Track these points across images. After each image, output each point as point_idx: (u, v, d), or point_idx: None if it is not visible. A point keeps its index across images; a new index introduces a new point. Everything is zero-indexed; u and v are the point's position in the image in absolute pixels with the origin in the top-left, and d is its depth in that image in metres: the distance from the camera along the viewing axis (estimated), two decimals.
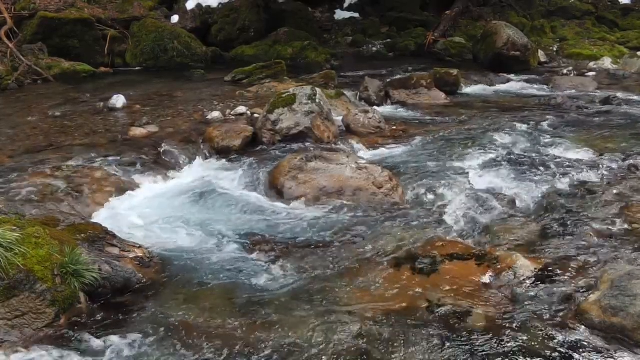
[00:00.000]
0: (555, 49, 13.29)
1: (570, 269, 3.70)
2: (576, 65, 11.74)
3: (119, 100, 7.34)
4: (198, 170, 5.59)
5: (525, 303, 3.35)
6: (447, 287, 3.51)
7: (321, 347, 2.98)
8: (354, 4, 15.30)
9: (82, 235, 3.63)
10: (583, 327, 3.10)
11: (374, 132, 6.69)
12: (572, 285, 3.51)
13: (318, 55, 11.84)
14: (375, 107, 7.58)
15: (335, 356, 2.92)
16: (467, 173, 5.34)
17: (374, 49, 13.06)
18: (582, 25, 14.68)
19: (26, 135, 6.21)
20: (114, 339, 3.02)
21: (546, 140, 6.40)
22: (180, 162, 5.69)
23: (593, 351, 2.93)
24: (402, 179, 5.22)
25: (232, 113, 7.01)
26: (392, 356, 2.92)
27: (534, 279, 3.58)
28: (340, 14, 14.87)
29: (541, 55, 12.04)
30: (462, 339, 3.03)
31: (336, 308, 3.31)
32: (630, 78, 10.52)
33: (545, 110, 7.98)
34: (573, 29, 14.49)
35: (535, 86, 9.89)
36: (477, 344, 3.00)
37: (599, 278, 3.36)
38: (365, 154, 6.08)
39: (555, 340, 3.02)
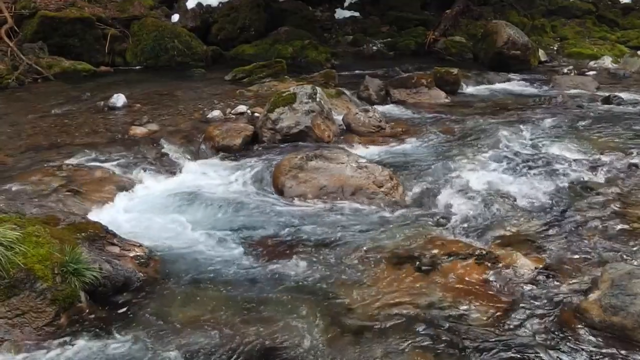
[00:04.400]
0: (555, 48, 13.29)
1: (570, 268, 3.70)
2: (576, 65, 11.74)
3: (119, 99, 7.34)
4: (198, 169, 5.59)
5: (525, 302, 3.35)
6: (447, 286, 3.51)
7: (321, 345, 2.98)
8: (354, 3, 15.28)
9: (83, 234, 3.63)
10: (583, 326, 3.10)
11: (374, 131, 6.69)
12: (572, 284, 3.51)
13: (318, 54, 11.83)
14: (375, 106, 7.56)
15: (335, 355, 2.92)
16: (468, 172, 5.33)
17: (375, 48, 13.04)
18: (582, 25, 14.66)
19: (26, 134, 6.21)
20: (115, 337, 3.03)
21: (546, 140, 6.40)
22: (181, 160, 5.69)
23: (593, 350, 2.93)
24: (403, 178, 5.22)
25: (232, 112, 7.02)
26: (392, 355, 2.92)
27: (534, 278, 3.58)
28: (340, 13, 14.84)
29: (541, 55, 12.03)
30: (462, 338, 3.03)
31: (336, 307, 3.32)
32: (631, 77, 10.52)
33: (545, 109, 7.97)
34: (573, 28, 14.48)
35: (536, 85, 9.88)
36: (477, 343, 3.00)
37: (599, 277, 3.36)
38: (365, 153, 6.07)
39: (555, 340, 3.02)
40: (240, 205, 4.73)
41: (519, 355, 2.90)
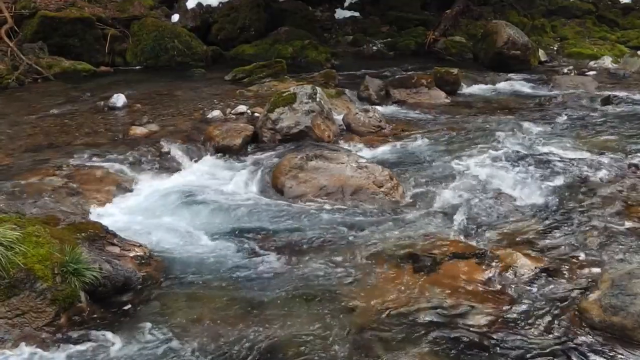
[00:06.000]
0: (555, 48, 13.27)
1: (570, 267, 3.70)
2: (576, 65, 11.72)
3: (119, 99, 7.33)
4: (198, 169, 5.59)
5: (526, 302, 3.35)
6: (448, 286, 3.51)
7: (321, 346, 2.98)
8: (354, 3, 15.26)
9: (83, 234, 3.63)
10: (583, 326, 3.10)
11: (374, 131, 6.69)
12: (572, 284, 3.51)
13: (318, 54, 11.82)
14: (375, 106, 7.56)
15: (335, 355, 2.92)
16: (467, 172, 5.34)
17: (374, 48, 13.03)
18: (582, 25, 14.65)
19: (26, 134, 6.21)
20: (115, 337, 3.03)
21: (546, 140, 6.40)
22: (181, 161, 5.68)
23: (593, 350, 2.93)
24: (403, 178, 5.22)
25: (232, 112, 7.01)
26: (392, 356, 2.92)
27: (534, 277, 3.58)
28: (340, 13, 14.83)
29: (541, 55, 12.02)
30: (462, 339, 3.03)
31: (336, 307, 3.31)
32: (631, 77, 10.51)
33: (545, 109, 7.97)
34: (573, 28, 14.47)
35: (536, 85, 9.87)
36: (477, 343, 3.00)
37: (599, 277, 3.36)
38: (365, 153, 6.07)
39: (555, 340, 3.02)
40: (240, 205, 4.73)
41: (518, 356, 2.90)
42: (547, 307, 3.29)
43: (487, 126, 6.94)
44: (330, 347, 2.97)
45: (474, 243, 4.08)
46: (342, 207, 4.68)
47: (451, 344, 2.99)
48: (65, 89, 8.64)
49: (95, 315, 3.21)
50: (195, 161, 5.75)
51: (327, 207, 4.69)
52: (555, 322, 3.16)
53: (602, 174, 5.27)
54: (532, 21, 14.55)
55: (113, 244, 3.71)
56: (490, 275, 3.61)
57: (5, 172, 5.01)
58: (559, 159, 5.68)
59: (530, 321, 3.17)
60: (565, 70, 11.08)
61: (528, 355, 2.90)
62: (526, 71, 10.85)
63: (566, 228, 4.27)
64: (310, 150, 5.45)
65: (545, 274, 3.61)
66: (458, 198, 4.80)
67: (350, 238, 4.15)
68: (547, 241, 4.08)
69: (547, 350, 2.93)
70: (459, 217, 4.47)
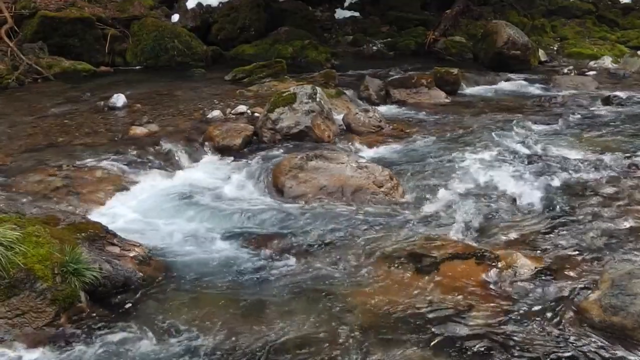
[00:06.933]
0: (555, 48, 13.27)
1: (570, 267, 3.70)
2: (576, 65, 11.73)
3: (119, 99, 7.33)
4: (198, 169, 5.59)
5: (525, 302, 3.35)
6: (447, 287, 3.51)
7: (321, 346, 2.98)
8: (354, 3, 15.26)
9: (83, 234, 3.63)
10: (583, 326, 3.10)
11: (374, 131, 6.69)
12: (572, 284, 3.51)
13: (318, 54, 11.82)
14: (375, 106, 7.57)
15: (335, 356, 2.92)
16: (467, 172, 5.33)
17: (375, 48, 13.03)
18: (582, 25, 14.65)
19: (26, 134, 6.21)
20: (115, 337, 3.03)
21: (546, 140, 6.40)
22: (181, 161, 5.69)
23: (593, 350, 2.93)
24: (403, 178, 5.22)
25: (232, 112, 7.01)
26: (392, 356, 2.92)
27: (534, 278, 3.58)
28: (340, 13, 14.82)
29: (541, 55, 12.02)
30: (463, 339, 3.03)
31: (337, 308, 3.31)
32: (631, 77, 10.51)
33: (545, 109, 7.98)
34: (573, 28, 14.47)
35: (536, 85, 9.88)
36: (476, 343, 3.00)
37: (599, 277, 3.36)
38: (365, 153, 6.08)
39: (555, 340, 3.02)
40: (240, 205, 4.73)
41: (518, 356, 2.90)
42: (547, 307, 3.29)
43: (487, 126, 6.94)
44: (330, 347, 2.97)
45: (474, 243, 4.08)
46: (342, 207, 4.68)
47: (451, 344, 2.99)
48: (65, 89, 8.63)
49: (96, 315, 3.21)
50: (195, 161, 5.76)
51: (327, 207, 4.68)
52: (556, 322, 3.16)
53: (603, 173, 5.27)
54: (532, 21, 14.55)
55: (113, 244, 3.71)
56: (491, 275, 3.61)
57: (5, 172, 5.01)
58: (559, 158, 5.68)
59: (530, 321, 3.17)
60: (565, 70, 11.08)
61: (528, 356, 2.90)
62: (526, 71, 10.85)
63: (566, 228, 4.27)
64: (310, 150, 5.45)
65: (545, 274, 3.61)
66: (458, 198, 4.80)
67: (350, 238, 4.15)
68: (547, 241, 4.08)
69: (548, 351, 2.93)
70: (459, 217, 4.47)
